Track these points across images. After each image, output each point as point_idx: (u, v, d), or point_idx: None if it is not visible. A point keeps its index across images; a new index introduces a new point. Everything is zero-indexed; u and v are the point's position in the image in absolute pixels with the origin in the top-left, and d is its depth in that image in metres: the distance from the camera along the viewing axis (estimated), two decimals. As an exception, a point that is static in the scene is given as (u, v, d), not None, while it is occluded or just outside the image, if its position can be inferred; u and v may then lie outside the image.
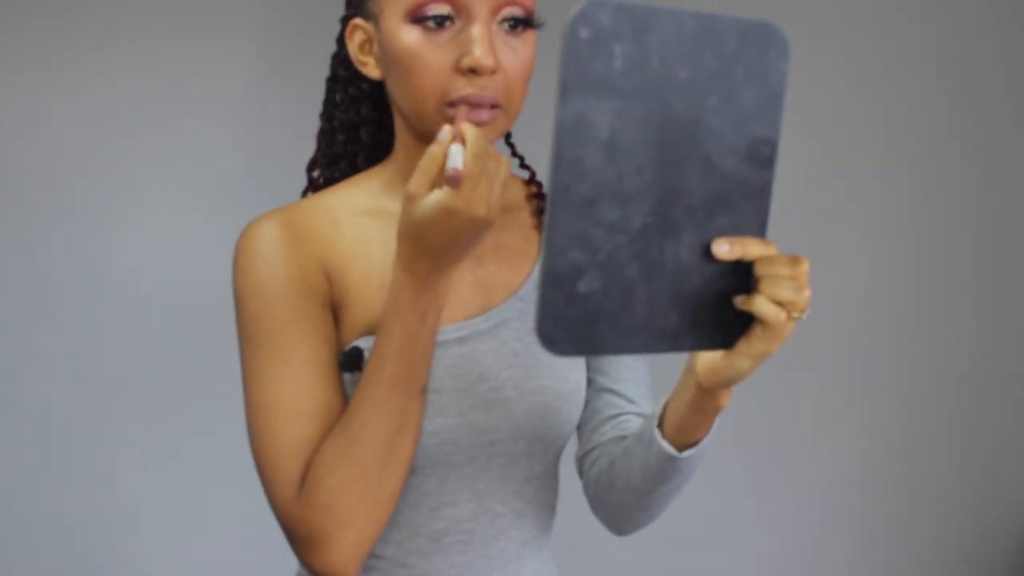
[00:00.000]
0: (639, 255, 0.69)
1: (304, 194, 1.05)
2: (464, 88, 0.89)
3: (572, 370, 1.01)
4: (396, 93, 0.93)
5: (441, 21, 0.89)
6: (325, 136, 1.04)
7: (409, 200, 0.82)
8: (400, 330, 0.86)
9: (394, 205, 0.98)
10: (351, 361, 0.93)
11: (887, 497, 2.20)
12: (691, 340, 0.72)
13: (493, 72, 0.89)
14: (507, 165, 0.83)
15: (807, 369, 2.16)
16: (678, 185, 0.70)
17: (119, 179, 1.81)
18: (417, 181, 0.82)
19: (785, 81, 0.72)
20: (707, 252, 0.71)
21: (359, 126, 1.03)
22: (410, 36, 0.89)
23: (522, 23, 0.91)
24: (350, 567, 0.89)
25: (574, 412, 1.01)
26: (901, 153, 2.17)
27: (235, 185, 1.85)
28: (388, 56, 0.91)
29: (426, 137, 0.94)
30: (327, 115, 1.04)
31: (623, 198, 0.68)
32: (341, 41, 1.02)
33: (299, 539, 0.89)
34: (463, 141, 0.82)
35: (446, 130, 0.82)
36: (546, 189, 0.68)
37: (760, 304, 0.72)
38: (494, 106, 0.90)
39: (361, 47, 0.96)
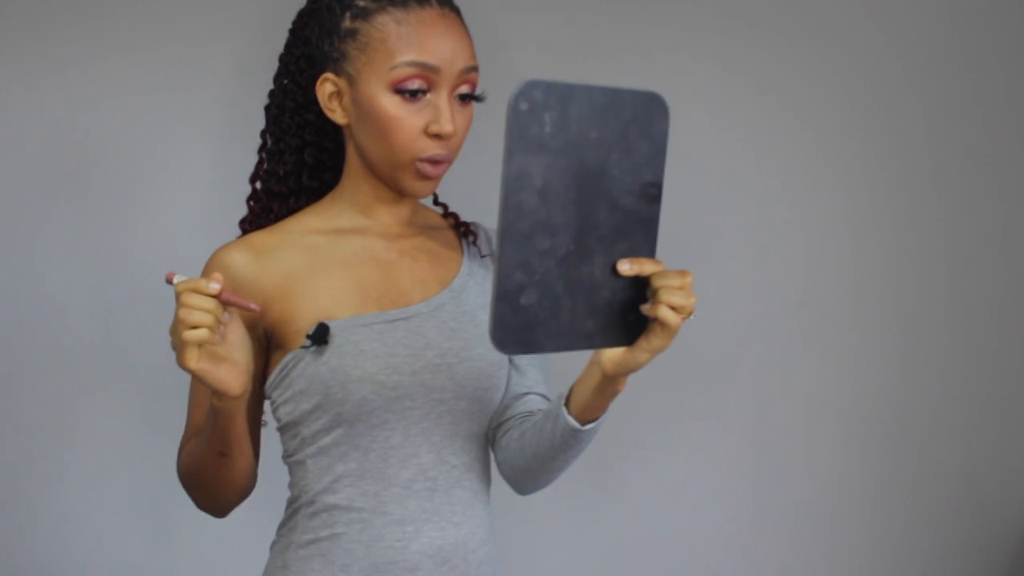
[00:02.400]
0: (564, 275, 0.90)
1: (244, 219, 1.27)
2: (432, 148, 1.15)
3: None
4: (369, 144, 1.17)
5: (415, 93, 1.14)
6: (271, 156, 1.26)
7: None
8: (214, 420, 1.11)
9: (340, 223, 1.22)
10: (319, 336, 1.14)
11: (881, 496, 2.16)
12: (603, 340, 0.94)
13: (452, 136, 1.15)
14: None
15: (796, 364, 2.12)
16: (591, 219, 0.90)
17: (106, 187, 1.83)
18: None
19: (666, 137, 0.93)
20: (613, 270, 0.92)
21: (303, 148, 1.25)
22: (391, 102, 1.14)
23: (470, 97, 1.18)
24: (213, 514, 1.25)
25: (502, 378, 1.24)
26: (892, 147, 2.15)
27: (217, 197, 1.82)
28: (366, 114, 1.15)
29: (389, 182, 1.19)
30: (275, 138, 1.26)
31: (552, 231, 0.88)
32: (283, 77, 1.25)
33: None
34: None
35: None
36: (496, 227, 0.88)
37: (660, 309, 0.93)
38: (447, 161, 1.17)
39: (330, 97, 1.18)
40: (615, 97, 0.90)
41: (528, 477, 1.22)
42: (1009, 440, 2.21)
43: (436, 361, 1.17)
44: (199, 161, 1.87)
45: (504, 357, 1.23)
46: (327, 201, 1.24)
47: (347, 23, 1.16)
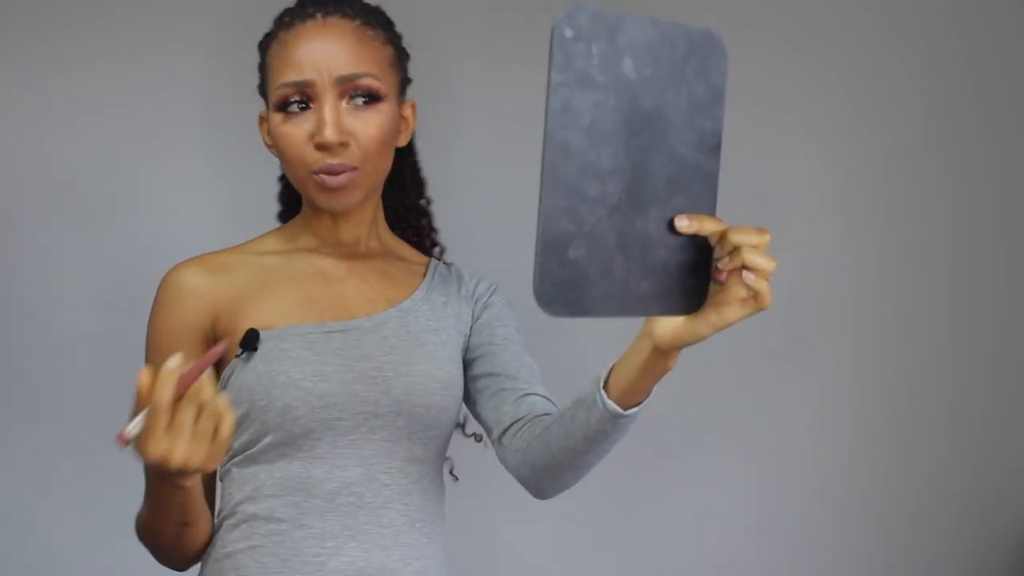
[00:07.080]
0: (615, 227, 0.79)
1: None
2: (321, 159, 1.12)
3: (447, 363, 1.18)
4: (283, 166, 1.20)
5: (297, 107, 1.13)
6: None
7: None
8: (154, 492, 1.05)
9: (297, 244, 1.23)
10: (249, 341, 1.12)
11: (878, 494, 2.14)
12: (661, 306, 0.82)
13: (342, 144, 1.12)
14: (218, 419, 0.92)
15: (795, 360, 2.10)
16: (645, 167, 0.80)
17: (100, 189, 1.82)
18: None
19: (725, 80, 0.83)
20: (670, 226, 0.81)
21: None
22: (279, 121, 1.14)
23: (369, 99, 1.14)
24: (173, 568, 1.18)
25: (450, 400, 1.17)
26: (892, 148, 2.14)
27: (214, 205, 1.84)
28: (273, 140, 1.17)
29: (308, 203, 1.20)
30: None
31: (602, 176, 0.78)
32: None
33: None
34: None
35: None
36: (540, 169, 0.77)
37: (745, 274, 0.80)
38: (354, 168, 1.12)
39: (268, 133, 1.21)
40: (668, 31, 0.80)
41: (552, 476, 1.10)
42: (1009, 440, 2.22)
43: (371, 373, 1.13)
44: (200, 161, 1.88)
45: (454, 379, 1.18)
46: (290, 223, 1.27)
47: (261, 59, 1.20)
